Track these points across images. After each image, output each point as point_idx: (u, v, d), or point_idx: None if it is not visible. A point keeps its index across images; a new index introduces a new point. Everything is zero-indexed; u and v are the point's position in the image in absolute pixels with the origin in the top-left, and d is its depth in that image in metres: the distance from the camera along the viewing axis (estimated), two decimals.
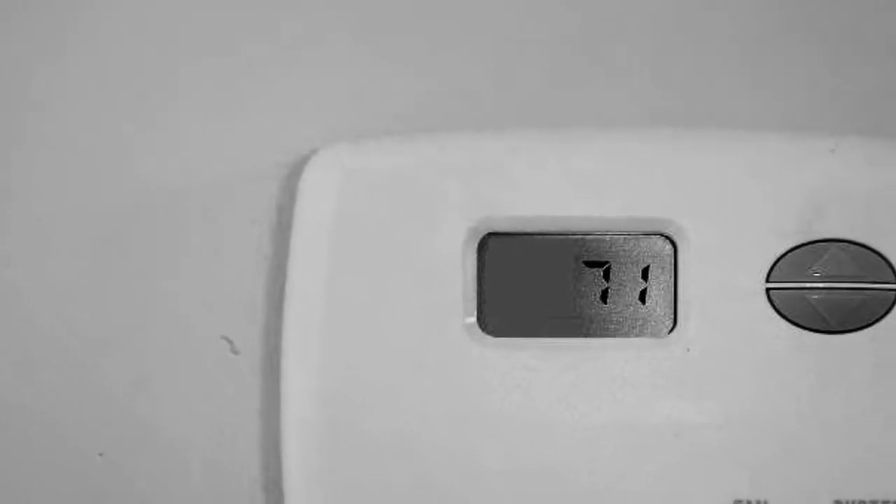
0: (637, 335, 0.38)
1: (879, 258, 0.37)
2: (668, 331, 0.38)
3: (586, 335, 0.38)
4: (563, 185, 0.38)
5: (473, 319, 0.38)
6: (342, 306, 0.38)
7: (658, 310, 0.38)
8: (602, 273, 0.38)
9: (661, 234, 0.38)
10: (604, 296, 0.38)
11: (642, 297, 0.38)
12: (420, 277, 0.38)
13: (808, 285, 0.37)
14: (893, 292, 0.37)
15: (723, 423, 0.37)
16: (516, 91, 0.41)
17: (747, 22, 0.41)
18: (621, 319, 0.38)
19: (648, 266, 0.38)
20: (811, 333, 0.37)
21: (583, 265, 0.38)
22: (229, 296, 0.40)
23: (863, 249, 0.37)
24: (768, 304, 0.37)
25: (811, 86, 0.41)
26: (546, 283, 0.38)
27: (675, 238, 0.38)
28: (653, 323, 0.38)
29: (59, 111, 0.41)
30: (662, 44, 0.41)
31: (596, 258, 0.38)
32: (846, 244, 0.37)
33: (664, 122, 0.40)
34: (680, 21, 0.41)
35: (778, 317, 0.37)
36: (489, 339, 0.38)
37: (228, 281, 0.40)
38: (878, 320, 0.37)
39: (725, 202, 0.38)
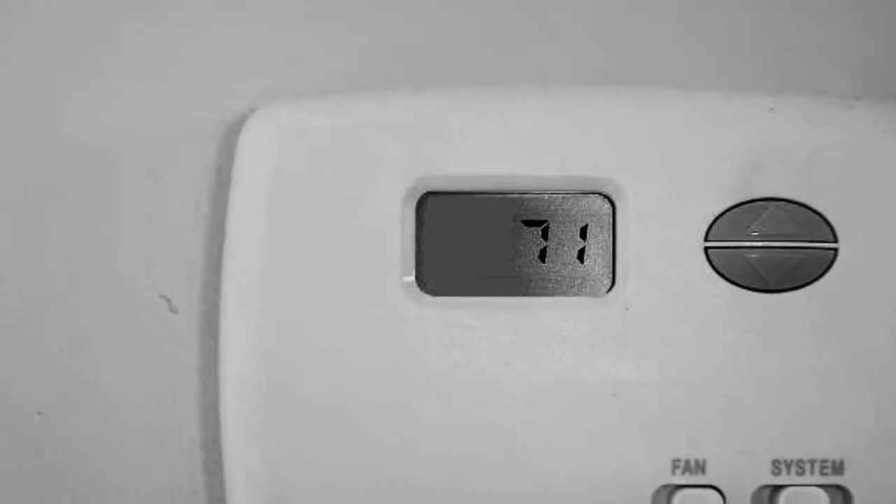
0: (575, 294, 0.38)
1: (818, 217, 0.37)
2: (606, 290, 0.38)
3: (525, 294, 0.38)
4: (501, 144, 0.38)
5: (412, 278, 0.38)
6: (281, 265, 0.38)
7: (596, 269, 0.38)
8: (540, 232, 0.38)
9: (600, 193, 0.38)
10: (542, 255, 0.38)
11: (581, 256, 0.38)
12: (359, 236, 0.38)
13: (746, 244, 0.37)
14: (831, 251, 0.37)
15: (661, 381, 0.37)
16: (455, 49, 0.41)
17: None
18: (560, 278, 0.38)
19: (587, 225, 0.38)
20: (749, 292, 0.37)
21: (521, 224, 0.38)
22: (168, 255, 0.40)
23: (801, 208, 0.37)
24: (707, 263, 0.38)
25: (750, 44, 0.41)
26: (484, 242, 0.38)
27: (614, 197, 0.38)
28: (591, 282, 0.38)
29: None
30: (601, 2, 0.41)
31: (534, 217, 0.38)
32: (785, 203, 0.37)
33: (603, 81, 0.40)
34: None
35: (716, 275, 0.37)
36: (427, 297, 0.38)
37: (167, 240, 0.40)
38: (816, 279, 0.37)
39: (664, 161, 0.38)
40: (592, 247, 0.38)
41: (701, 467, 0.37)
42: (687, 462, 0.37)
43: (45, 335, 0.40)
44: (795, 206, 0.37)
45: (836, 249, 0.37)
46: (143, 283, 0.40)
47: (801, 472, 0.37)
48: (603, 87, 0.39)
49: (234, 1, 0.41)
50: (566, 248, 0.38)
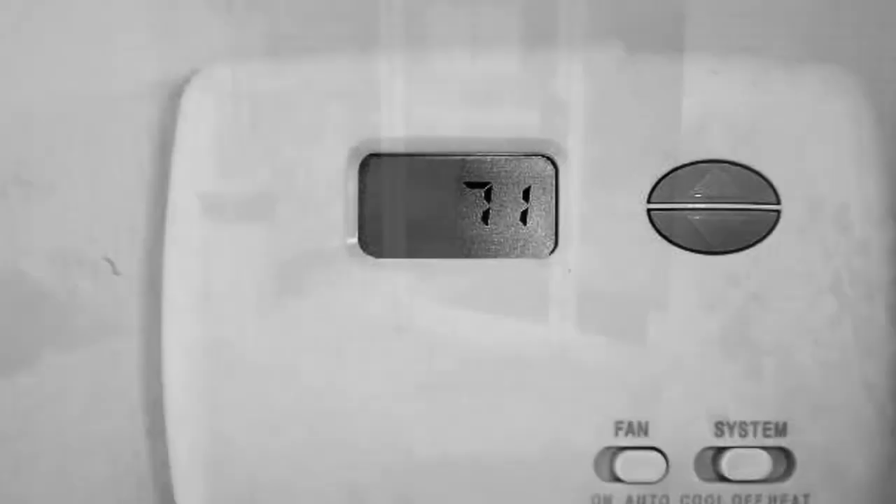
0: (518, 256, 0.38)
1: (760, 179, 0.37)
2: (549, 252, 0.38)
3: (468, 256, 0.38)
4: (444, 106, 0.38)
5: (355, 240, 0.38)
6: (224, 227, 0.37)
7: (539, 231, 0.38)
8: (483, 194, 0.38)
9: (543, 155, 0.38)
10: (485, 217, 0.38)
11: (524, 217, 0.38)
12: (301, 198, 0.37)
13: (689, 206, 0.37)
14: (774, 213, 0.37)
15: (604, 344, 0.37)
16: (397, 11, 0.40)
17: None
18: (503, 240, 0.38)
19: (530, 187, 0.38)
20: (692, 254, 0.37)
21: (464, 186, 0.38)
22: (111, 217, 0.40)
23: (744, 170, 0.37)
24: (650, 225, 0.37)
25: (695, 5, 0.40)
26: (427, 204, 0.38)
27: (557, 159, 0.38)
28: (534, 244, 0.38)
29: None
30: None
31: (477, 179, 0.38)
32: (728, 165, 0.37)
33: (547, 43, 0.40)
34: None
35: (659, 237, 0.37)
36: (370, 259, 0.38)
37: (110, 202, 0.40)
38: (758, 241, 0.37)
39: (607, 123, 0.37)
40: (535, 209, 0.38)
41: (644, 429, 0.37)
42: (630, 424, 0.38)
43: None
44: (738, 168, 0.37)
45: (778, 211, 0.37)
46: (87, 246, 0.40)
47: (743, 434, 0.38)
48: (546, 48, 0.39)
49: None
50: (509, 210, 0.38)
